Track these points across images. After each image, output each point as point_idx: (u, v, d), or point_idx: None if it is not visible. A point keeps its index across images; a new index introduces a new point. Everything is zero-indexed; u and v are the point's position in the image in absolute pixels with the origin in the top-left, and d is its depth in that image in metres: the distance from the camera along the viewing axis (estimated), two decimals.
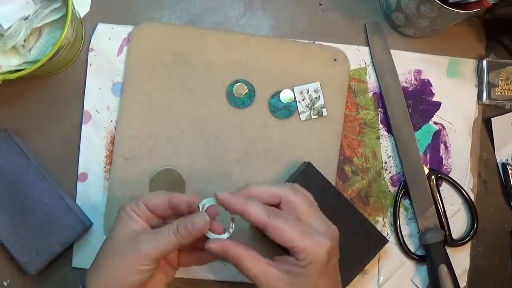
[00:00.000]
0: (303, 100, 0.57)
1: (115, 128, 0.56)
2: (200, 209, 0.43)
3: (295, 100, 0.57)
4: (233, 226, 0.44)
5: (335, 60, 0.57)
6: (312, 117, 0.57)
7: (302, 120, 0.57)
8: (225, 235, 0.43)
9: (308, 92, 0.57)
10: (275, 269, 0.42)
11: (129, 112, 0.56)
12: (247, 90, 0.56)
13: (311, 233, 0.41)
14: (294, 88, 0.57)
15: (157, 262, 0.43)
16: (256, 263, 0.42)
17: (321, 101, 0.57)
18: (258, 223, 0.41)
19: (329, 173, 0.56)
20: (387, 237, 0.54)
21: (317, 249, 0.41)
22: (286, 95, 0.56)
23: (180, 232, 0.42)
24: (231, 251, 0.42)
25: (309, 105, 0.57)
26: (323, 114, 0.57)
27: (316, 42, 0.58)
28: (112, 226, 0.44)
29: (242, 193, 0.44)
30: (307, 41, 0.58)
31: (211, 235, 0.43)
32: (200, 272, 0.55)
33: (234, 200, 0.42)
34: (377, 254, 0.55)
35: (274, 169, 0.56)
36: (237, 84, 0.56)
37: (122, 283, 0.42)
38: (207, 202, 0.44)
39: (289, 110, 0.56)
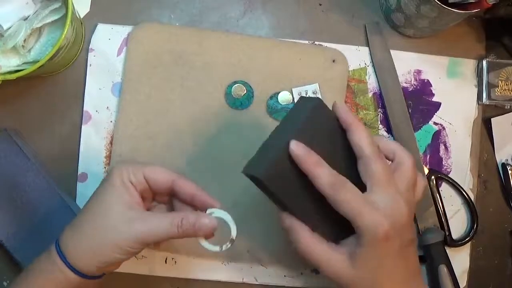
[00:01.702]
0: None
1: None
2: (208, 212, 0.42)
3: (293, 102, 0.57)
4: (229, 246, 0.43)
5: (333, 61, 0.57)
6: None
7: None
8: (216, 248, 0.42)
9: (306, 93, 0.57)
10: (337, 253, 0.39)
11: (127, 112, 0.56)
12: (245, 91, 0.56)
13: (371, 210, 0.38)
14: (292, 89, 0.57)
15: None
16: (317, 247, 0.40)
17: None
18: (322, 192, 0.39)
19: None
20: None
21: (373, 227, 0.37)
22: (284, 97, 0.56)
23: (184, 228, 0.40)
24: (295, 233, 0.40)
25: None
26: None
27: (316, 42, 0.58)
28: (100, 187, 0.42)
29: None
30: (307, 41, 0.58)
31: (202, 242, 0.42)
32: (200, 272, 0.55)
33: (308, 159, 0.38)
34: None
35: None
36: (236, 85, 0.56)
37: (107, 259, 0.40)
38: (218, 214, 0.42)
39: (287, 111, 0.56)
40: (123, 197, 0.41)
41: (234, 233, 0.43)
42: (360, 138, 0.40)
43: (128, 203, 0.41)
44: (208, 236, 0.43)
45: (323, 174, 0.38)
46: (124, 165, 0.42)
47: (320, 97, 0.56)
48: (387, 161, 0.42)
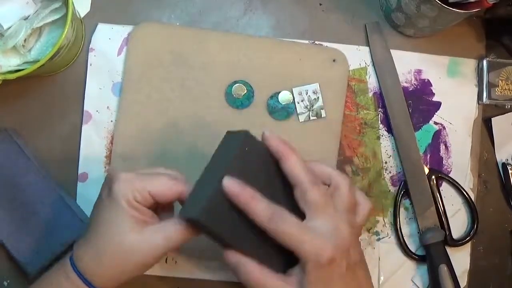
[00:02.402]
0: (302, 101, 0.57)
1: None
2: None
3: (293, 102, 0.57)
4: None
5: (334, 61, 0.57)
6: (310, 118, 0.57)
7: (300, 121, 0.57)
8: None
9: (307, 93, 0.57)
10: (288, 284, 0.38)
11: (127, 112, 0.56)
12: (246, 91, 0.56)
13: (311, 237, 0.38)
14: (293, 89, 0.57)
15: None
16: (269, 282, 0.39)
17: (320, 103, 0.57)
18: (260, 226, 0.38)
19: None
20: (387, 237, 0.54)
21: (315, 253, 0.37)
22: (284, 97, 0.56)
23: (191, 234, 0.41)
24: (243, 268, 0.39)
25: (308, 106, 0.57)
26: (322, 116, 0.57)
27: (316, 42, 0.58)
28: (108, 205, 0.41)
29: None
30: (307, 41, 0.58)
31: None
32: (200, 272, 0.55)
33: (242, 195, 0.37)
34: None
35: None
36: (236, 85, 0.56)
37: (127, 277, 0.41)
38: None
39: (288, 111, 0.56)
40: (135, 218, 0.40)
41: None
42: (293, 166, 0.39)
43: (141, 221, 0.40)
44: None
45: (259, 208, 0.38)
46: (125, 183, 0.41)
47: (320, 96, 0.56)
48: (324, 186, 0.41)
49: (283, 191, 0.40)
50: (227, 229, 0.38)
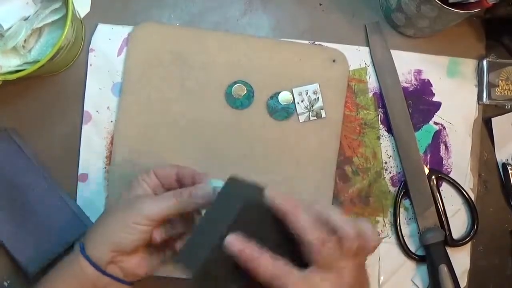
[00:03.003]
0: (302, 101, 0.57)
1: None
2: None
3: (293, 102, 0.57)
4: None
5: (334, 61, 0.57)
6: (310, 119, 0.57)
7: (300, 121, 0.57)
8: None
9: (307, 93, 0.57)
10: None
11: (127, 112, 0.56)
12: (245, 91, 0.56)
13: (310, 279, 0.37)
14: (293, 89, 0.57)
15: (155, 224, 0.43)
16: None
17: (320, 103, 0.57)
18: (263, 281, 0.37)
19: (328, 174, 0.56)
20: (387, 237, 0.54)
21: None
22: (284, 97, 0.56)
23: (183, 197, 0.43)
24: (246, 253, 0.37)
25: (308, 107, 0.57)
26: (322, 116, 0.57)
27: (316, 42, 0.58)
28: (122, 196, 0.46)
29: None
30: (307, 41, 0.58)
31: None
32: None
33: (244, 251, 0.36)
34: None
35: (272, 170, 0.56)
36: (236, 85, 0.56)
37: (115, 240, 0.43)
38: (215, 183, 0.44)
39: (288, 111, 0.56)
40: (135, 189, 0.46)
41: None
42: (300, 226, 0.38)
43: (139, 193, 0.46)
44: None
45: (267, 268, 0.36)
46: (140, 173, 0.48)
47: (320, 96, 0.56)
48: (330, 238, 0.38)
49: (284, 239, 0.39)
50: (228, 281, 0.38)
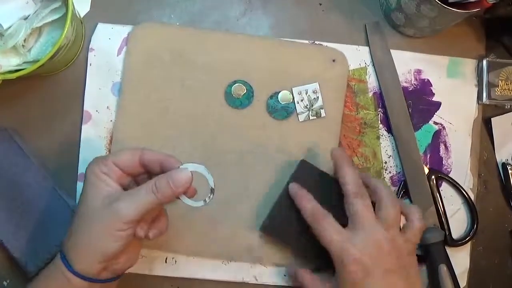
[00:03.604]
0: (302, 101, 0.57)
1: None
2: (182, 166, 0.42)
3: (293, 101, 0.57)
4: (211, 197, 0.43)
5: (333, 61, 0.57)
6: (310, 118, 0.57)
7: (300, 121, 0.57)
8: (200, 203, 0.43)
9: (306, 92, 0.57)
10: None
11: (127, 111, 0.56)
12: (245, 91, 0.56)
13: (347, 244, 0.45)
14: (292, 88, 0.57)
15: (136, 224, 0.41)
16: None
17: (319, 102, 0.57)
18: (307, 221, 0.48)
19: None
20: None
21: (345, 257, 0.44)
22: (284, 96, 0.56)
23: (160, 190, 0.40)
24: (303, 281, 0.50)
25: (308, 106, 0.57)
26: (321, 115, 0.57)
27: (316, 42, 0.58)
28: (83, 190, 0.43)
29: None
30: (307, 41, 0.58)
31: (186, 200, 0.42)
32: (200, 272, 0.55)
33: (299, 194, 0.50)
34: None
35: (272, 169, 0.56)
36: (236, 84, 0.56)
37: (103, 251, 0.41)
38: (191, 167, 0.42)
39: (287, 111, 0.56)
40: (100, 188, 0.42)
41: (212, 183, 0.43)
42: (345, 175, 0.48)
43: (106, 192, 0.42)
44: (190, 192, 0.43)
45: (308, 206, 0.48)
46: (94, 161, 0.43)
47: (320, 96, 0.56)
48: (369, 200, 0.48)
49: (339, 204, 0.49)
50: (285, 234, 0.52)
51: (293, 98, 0.57)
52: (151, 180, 0.41)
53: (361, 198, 0.47)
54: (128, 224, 0.40)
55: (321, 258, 0.49)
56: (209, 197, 0.43)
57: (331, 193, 0.51)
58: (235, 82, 0.56)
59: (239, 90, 0.56)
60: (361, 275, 0.43)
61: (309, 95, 0.57)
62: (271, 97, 0.57)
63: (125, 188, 0.44)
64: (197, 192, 0.44)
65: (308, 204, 0.48)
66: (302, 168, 0.53)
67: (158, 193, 0.40)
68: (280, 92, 0.57)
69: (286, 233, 0.52)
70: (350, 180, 0.48)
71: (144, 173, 0.45)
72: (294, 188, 0.50)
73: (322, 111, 0.57)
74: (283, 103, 0.56)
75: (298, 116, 0.57)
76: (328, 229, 0.46)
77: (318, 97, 0.57)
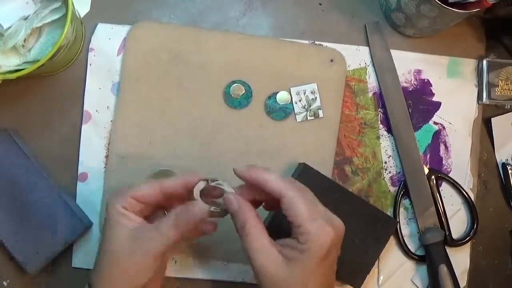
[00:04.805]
0: (300, 101, 0.57)
1: None
2: (195, 194, 0.42)
3: (291, 102, 0.57)
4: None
5: (331, 61, 0.57)
6: (308, 119, 0.57)
7: (298, 121, 0.57)
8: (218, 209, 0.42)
9: (305, 93, 0.56)
10: (275, 249, 0.39)
11: (125, 111, 0.56)
12: (244, 91, 0.56)
13: (319, 217, 0.39)
14: (291, 88, 0.57)
15: (165, 255, 0.42)
16: (260, 237, 0.39)
17: (317, 103, 0.57)
18: (276, 191, 0.40)
19: (325, 174, 0.56)
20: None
21: (321, 235, 0.38)
22: (282, 97, 0.56)
23: (181, 225, 0.40)
24: (242, 213, 0.40)
25: (306, 106, 0.56)
26: (319, 116, 0.56)
27: (316, 42, 0.58)
28: (105, 226, 0.43)
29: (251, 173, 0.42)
30: (307, 41, 0.58)
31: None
32: (200, 272, 0.55)
33: (252, 173, 0.41)
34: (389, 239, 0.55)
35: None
36: (234, 84, 0.56)
37: (135, 284, 0.41)
38: (202, 185, 0.42)
39: (285, 111, 0.56)
40: (124, 224, 0.42)
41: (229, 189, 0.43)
42: (275, 181, 0.40)
43: (131, 226, 0.42)
44: (208, 229, 0.44)
45: (275, 177, 0.40)
46: (113, 196, 0.43)
47: (318, 96, 0.56)
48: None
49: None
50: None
51: (291, 99, 0.57)
52: (170, 214, 0.41)
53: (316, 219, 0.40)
54: (160, 257, 0.41)
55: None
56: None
57: (334, 201, 0.47)
58: (233, 82, 0.56)
59: (238, 90, 0.56)
60: (330, 262, 0.40)
61: (307, 96, 0.57)
62: (269, 97, 0.56)
63: (151, 217, 0.44)
64: (217, 228, 0.44)
65: (271, 176, 0.41)
66: (303, 173, 0.52)
67: (179, 227, 0.40)
68: (278, 92, 0.56)
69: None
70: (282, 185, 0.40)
71: (167, 200, 0.44)
72: (240, 170, 0.42)
73: (320, 112, 0.56)
74: (281, 103, 0.56)
75: (296, 116, 0.57)
76: (302, 201, 0.39)
77: (316, 97, 0.57)
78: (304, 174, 0.53)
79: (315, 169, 0.54)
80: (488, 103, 0.58)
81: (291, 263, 0.38)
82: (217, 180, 0.43)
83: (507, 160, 0.59)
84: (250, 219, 0.40)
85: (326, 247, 0.38)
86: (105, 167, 0.56)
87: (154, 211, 0.45)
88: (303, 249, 0.38)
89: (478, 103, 0.59)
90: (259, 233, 0.40)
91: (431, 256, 0.56)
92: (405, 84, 0.59)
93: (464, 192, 0.58)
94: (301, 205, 0.39)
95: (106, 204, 0.43)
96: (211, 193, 0.43)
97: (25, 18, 0.51)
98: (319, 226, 0.38)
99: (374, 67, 0.58)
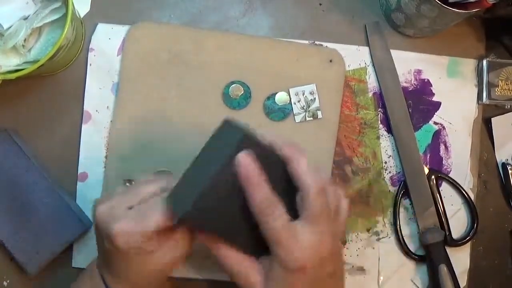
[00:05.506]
0: (299, 101, 0.57)
1: None
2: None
3: (290, 103, 0.57)
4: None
5: (330, 61, 0.57)
6: (307, 119, 0.57)
7: (297, 122, 0.56)
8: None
9: (303, 94, 0.56)
10: (256, 266, 0.39)
11: (124, 111, 0.56)
12: (243, 92, 0.56)
13: (290, 240, 0.36)
14: (289, 89, 0.57)
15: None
16: (237, 258, 0.39)
17: (316, 103, 0.56)
18: (253, 210, 0.36)
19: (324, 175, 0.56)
20: (387, 237, 0.54)
21: (286, 258, 0.37)
22: (281, 98, 0.56)
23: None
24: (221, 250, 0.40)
25: (304, 107, 0.56)
26: (318, 117, 0.56)
27: (316, 42, 0.58)
28: (123, 263, 0.41)
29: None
30: (307, 41, 0.58)
31: None
32: (200, 272, 0.55)
33: (252, 173, 0.36)
34: None
35: None
36: (233, 85, 0.56)
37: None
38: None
39: (284, 112, 0.56)
40: (145, 253, 0.40)
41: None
42: (301, 171, 0.37)
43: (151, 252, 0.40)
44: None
45: (261, 194, 0.36)
46: (123, 238, 0.39)
47: (317, 97, 0.56)
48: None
49: (279, 186, 0.38)
50: (215, 221, 0.37)
51: (290, 100, 0.57)
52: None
53: (321, 195, 0.38)
54: (170, 270, 0.43)
55: (254, 244, 0.38)
56: None
57: (274, 175, 0.38)
58: (232, 82, 0.56)
59: (237, 90, 0.56)
60: (310, 279, 0.38)
61: (306, 96, 0.57)
62: (268, 98, 0.56)
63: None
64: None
65: (262, 191, 0.36)
66: (242, 146, 0.36)
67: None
68: (277, 93, 0.56)
69: (213, 222, 0.37)
70: (307, 176, 0.37)
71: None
72: (248, 164, 0.35)
73: (319, 112, 0.56)
74: (280, 104, 0.56)
75: (295, 117, 0.57)
76: (277, 226, 0.36)
77: (315, 98, 0.57)
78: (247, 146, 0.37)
79: (252, 132, 0.39)
80: (488, 103, 0.58)
81: (268, 280, 0.38)
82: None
83: (507, 160, 0.59)
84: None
85: (290, 269, 0.37)
86: (105, 167, 0.56)
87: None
88: (273, 268, 0.38)
89: (478, 103, 0.59)
90: (236, 254, 0.40)
91: (431, 256, 0.56)
92: (405, 84, 0.59)
93: (464, 192, 0.58)
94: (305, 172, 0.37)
95: (103, 230, 0.39)
96: None
97: (25, 18, 0.51)
98: (287, 249, 0.37)
99: (374, 67, 0.58)
